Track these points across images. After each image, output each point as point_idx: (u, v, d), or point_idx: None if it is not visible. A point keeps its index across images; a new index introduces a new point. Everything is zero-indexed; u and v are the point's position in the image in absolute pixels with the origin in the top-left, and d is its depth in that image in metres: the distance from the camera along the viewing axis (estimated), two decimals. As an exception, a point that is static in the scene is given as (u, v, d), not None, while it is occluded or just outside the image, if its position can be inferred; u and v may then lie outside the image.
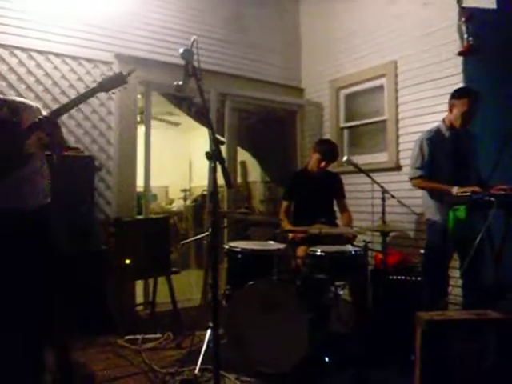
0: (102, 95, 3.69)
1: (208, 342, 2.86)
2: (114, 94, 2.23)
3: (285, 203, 3.78)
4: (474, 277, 2.95)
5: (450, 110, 3.17)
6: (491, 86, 3.39)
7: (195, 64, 2.13)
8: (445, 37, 3.85)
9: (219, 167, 1.89)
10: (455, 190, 2.90)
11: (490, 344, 1.82)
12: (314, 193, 3.66)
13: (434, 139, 3.17)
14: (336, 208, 3.88)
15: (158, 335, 3.36)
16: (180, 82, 2.14)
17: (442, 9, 3.89)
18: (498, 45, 3.65)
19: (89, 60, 4.01)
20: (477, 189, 2.80)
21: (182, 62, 2.13)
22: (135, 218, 4.04)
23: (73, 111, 3.67)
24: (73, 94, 3.78)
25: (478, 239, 2.62)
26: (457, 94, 3.15)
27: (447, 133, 3.18)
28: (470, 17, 3.42)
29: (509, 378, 1.91)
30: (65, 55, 3.89)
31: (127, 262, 3.42)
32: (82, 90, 3.85)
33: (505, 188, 2.80)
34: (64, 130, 3.72)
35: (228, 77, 4.84)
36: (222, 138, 2.12)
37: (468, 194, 2.73)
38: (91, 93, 2.19)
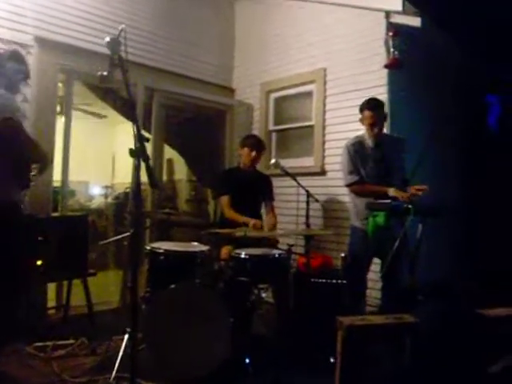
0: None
1: (125, 347, 2.72)
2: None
3: (225, 198, 3.71)
4: (392, 281, 3.08)
5: (362, 122, 3.34)
6: (414, 97, 3.58)
7: (122, 55, 2.01)
8: (373, 49, 3.99)
9: (143, 165, 1.78)
10: (391, 191, 3.01)
11: (406, 346, 1.89)
12: (244, 192, 3.66)
13: (357, 146, 3.30)
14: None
15: (71, 341, 3.14)
16: (105, 73, 2.01)
17: (372, 22, 4.04)
18: (420, 60, 3.86)
19: (4, 41, 3.67)
20: (409, 194, 2.91)
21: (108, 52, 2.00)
22: (49, 216, 3.76)
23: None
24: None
25: (396, 245, 2.73)
26: (360, 108, 3.34)
27: (369, 141, 3.30)
28: (396, 32, 3.58)
29: (421, 378, 2.00)
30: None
31: (38, 262, 3.16)
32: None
33: (422, 188, 2.97)
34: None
35: (157, 71, 4.69)
36: (146, 135, 2.02)
37: (403, 196, 2.84)
38: None
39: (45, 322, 3.56)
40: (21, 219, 2.57)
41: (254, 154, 3.71)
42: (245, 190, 3.67)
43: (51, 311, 3.80)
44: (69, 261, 3.36)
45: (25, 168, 2.61)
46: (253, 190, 3.73)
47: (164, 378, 2.58)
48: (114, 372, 2.55)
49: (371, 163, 3.28)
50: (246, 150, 3.75)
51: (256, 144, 3.76)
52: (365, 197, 3.22)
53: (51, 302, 3.87)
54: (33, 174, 2.71)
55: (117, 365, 2.59)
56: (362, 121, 3.34)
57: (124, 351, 2.68)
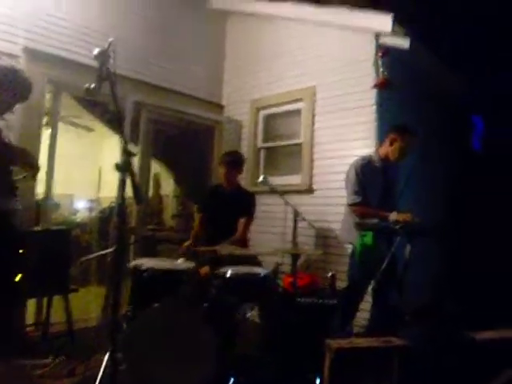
0: None
1: (105, 367, 2.62)
2: None
3: (198, 216, 3.69)
4: (380, 302, 3.05)
5: (391, 144, 3.26)
6: (402, 119, 3.59)
7: (111, 68, 1.98)
8: (363, 69, 4.03)
9: (129, 180, 1.74)
10: (393, 215, 2.97)
11: (394, 369, 1.85)
12: (225, 210, 3.56)
13: (366, 167, 3.25)
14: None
15: (50, 360, 3.04)
16: (92, 85, 1.98)
17: (362, 42, 4.08)
18: (409, 81, 3.91)
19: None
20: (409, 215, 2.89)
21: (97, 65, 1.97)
22: (30, 230, 3.66)
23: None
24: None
25: (384, 265, 2.71)
26: (400, 130, 3.25)
27: (379, 163, 3.29)
28: (385, 53, 3.62)
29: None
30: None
31: (17, 278, 3.06)
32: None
33: (406, 216, 2.95)
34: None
35: (146, 85, 4.66)
36: (134, 149, 1.98)
37: (402, 219, 2.82)
38: None
39: (23, 340, 3.45)
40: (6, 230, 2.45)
41: (225, 171, 3.61)
42: (222, 208, 3.58)
43: (30, 328, 3.68)
44: (50, 276, 3.27)
45: (4, 174, 2.50)
46: (231, 209, 3.58)
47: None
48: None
49: (378, 186, 3.25)
50: (222, 168, 3.66)
51: (229, 161, 3.65)
52: (365, 219, 3.20)
53: (30, 319, 3.75)
54: (22, 176, 2.62)
55: (96, 386, 2.50)
56: (391, 141, 3.25)
57: (103, 371, 2.58)
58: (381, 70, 3.61)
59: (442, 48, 3.92)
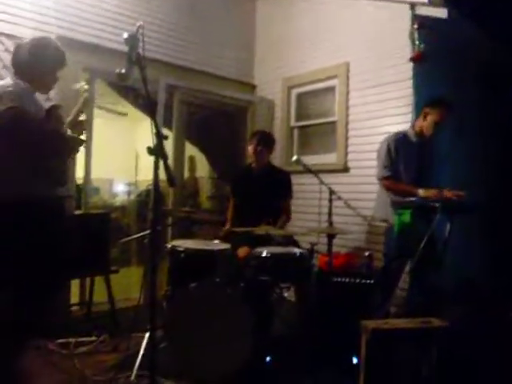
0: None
1: (146, 345, 2.71)
2: None
3: (231, 200, 3.70)
4: (418, 281, 2.99)
5: (425, 117, 3.20)
6: (440, 93, 3.46)
7: (140, 51, 1.99)
8: (397, 42, 3.87)
9: (162, 163, 1.76)
10: (421, 191, 2.92)
11: (432, 351, 1.82)
12: (258, 191, 3.51)
13: (401, 142, 3.20)
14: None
15: (93, 338, 3.17)
16: (123, 70, 1.99)
17: (396, 14, 3.92)
18: (447, 53, 3.73)
19: (28, 40, 3.71)
20: (442, 193, 2.82)
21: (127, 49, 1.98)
22: (72, 213, 3.79)
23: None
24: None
25: (423, 244, 2.65)
26: (433, 103, 3.20)
27: (414, 139, 3.23)
28: (421, 24, 3.46)
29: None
30: (3, 34, 3.57)
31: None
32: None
33: (459, 194, 2.86)
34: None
35: (178, 68, 4.67)
36: (168, 133, 2.00)
37: (431, 195, 2.76)
38: None
39: (68, 319, 3.60)
40: (54, 216, 2.43)
41: (254, 149, 3.53)
42: (258, 189, 3.52)
43: (74, 308, 3.84)
44: (91, 258, 3.38)
45: (47, 162, 2.47)
46: (267, 190, 3.52)
47: (184, 377, 2.57)
48: (134, 370, 2.55)
49: (413, 162, 3.19)
50: (251, 147, 3.60)
51: (259, 139, 3.56)
52: (394, 194, 3.14)
53: (74, 299, 3.91)
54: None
55: (137, 363, 2.59)
56: (425, 115, 3.20)
57: (145, 349, 2.68)
58: (417, 42, 3.44)
59: (483, 17, 3.71)
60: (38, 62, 2.39)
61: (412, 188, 3.01)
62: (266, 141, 3.60)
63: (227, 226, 3.58)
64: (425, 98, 3.42)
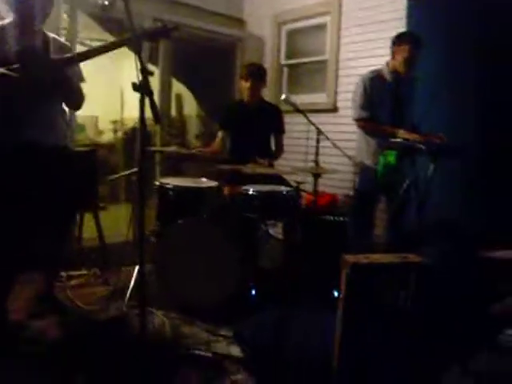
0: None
1: (136, 278, 2.81)
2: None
3: (219, 133, 3.58)
4: (399, 220, 3.09)
5: (393, 57, 3.14)
6: (434, 32, 3.39)
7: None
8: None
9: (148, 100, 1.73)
10: (401, 133, 2.93)
11: (410, 286, 1.92)
12: (251, 126, 3.45)
13: (376, 81, 3.14)
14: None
15: (84, 271, 3.26)
16: (106, 2, 1.92)
17: None
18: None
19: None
20: (420, 136, 2.84)
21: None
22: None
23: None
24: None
25: (406, 184, 2.72)
26: (398, 41, 3.11)
27: (389, 76, 3.16)
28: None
29: (424, 317, 2.06)
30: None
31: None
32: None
33: (439, 137, 2.90)
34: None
35: (164, 2, 4.48)
36: (154, 69, 1.96)
37: (412, 137, 2.78)
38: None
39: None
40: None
41: (249, 83, 3.42)
42: (248, 124, 3.45)
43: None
44: (79, 195, 3.39)
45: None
46: (257, 124, 3.47)
47: (173, 307, 2.69)
48: (125, 300, 2.65)
49: (388, 101, 3.14)
50: (242, 82, 3.49)
51: (251, 73, 3.43)
52: (372, 135, 3.15)
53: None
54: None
55: (128, 294, 2.70)
56: (394, 53, 3.13)
57: (135, 282, 2.78)
58: (412, -22, 3.35)
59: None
60: None
61: (391, 128, 3.00)
62: (259, 74, 3.48)
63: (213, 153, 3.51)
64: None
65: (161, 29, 2.10)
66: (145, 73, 1.66)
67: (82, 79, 2.59)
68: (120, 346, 2.22)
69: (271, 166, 3.54)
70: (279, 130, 3.66)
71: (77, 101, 2.55)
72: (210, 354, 2.22)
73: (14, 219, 2.28)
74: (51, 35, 2.47)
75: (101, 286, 3.10)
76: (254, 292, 2.82)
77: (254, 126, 3.47)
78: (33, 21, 2.31)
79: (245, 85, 3.47)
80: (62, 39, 2.59)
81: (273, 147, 3.69)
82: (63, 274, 3.15)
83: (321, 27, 4.58)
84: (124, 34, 4.61)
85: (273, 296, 2.82)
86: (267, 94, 4.85)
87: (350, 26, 4.23)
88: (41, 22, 2.35)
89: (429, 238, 2.84)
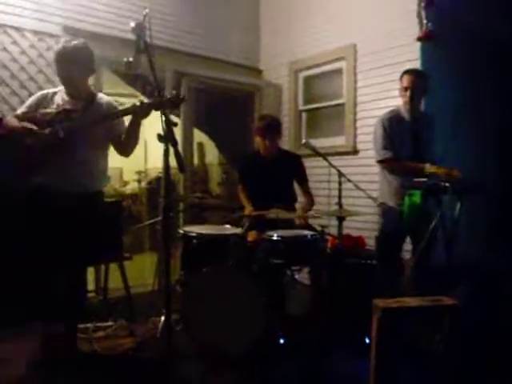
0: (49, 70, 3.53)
1: (162, 328, 2.78)
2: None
3: (240, 187, 3.63)
4: (427, 261, 3.01)
5: (400, 93, 3.19)
6: (449, 72, 3.43)
7: (147, 39, 2.01)
8: (405, 21, 3.83)
9: (172, 150, 1.78)
10: (427, 167, 2.89)
11: (443, 330, 1.85)
12: (269, 177, 3.43)
13: (394, 120, 3.15)
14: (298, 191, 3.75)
15: (111, 323, 3.24)
16: (130, 59, 2.02)
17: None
18: (457, 32, 3.69)
19: (34, 32, 3.73)
20: (446, 169, 2.81)
21: (134, 38, 2.00)
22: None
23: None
24: (13, 68, 3.57)
25: (433, 224, 2.66)
26: (400, 76, 3.18)
27: (406, 115, 3.18)
28: (429, 2, 3.42)
29: (456, 363, 1.96)
30: (7, 26, 3.60)
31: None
32: (25, 64, 3.64)
33: (453, 173, 2.85)
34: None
35: (184, 55, 4.68)
36: (175, 120, 2.02)
37: (439, 172, 2.75)
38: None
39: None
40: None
41: (267, 142, 3.43)
42: (268, 175, 3.44)
43: (90, 294, 3.91)
44: (105, 245, 3.43)
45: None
46: (279, 174, 3.47)
47: (199, 358, 2.63)
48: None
49: (408, 140, 3.13)
50: (259, 139, 3.49)
51: (264, 129, 3.43)
52: (398, 174, 3.12)
53: (90, 286, 3.98)
54: None
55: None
56: (400, 91, 3.17)
57: (161, 332, 2.74)
58: (425, 21, 3.42)
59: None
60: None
61: (417, 164, 2.96)
62: (272, 131, 3.47)
63: (247, 211, 3.42)
64: (432, 78, 3.39)
65: (173, 99, 2.21)
66: (169, 124, 1.71)
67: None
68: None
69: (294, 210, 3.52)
70: (302, 178, 3.63)
71: (135, 147, 2.74)
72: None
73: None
74: (100, 94, 2.77)
75: (127, 338, 3.07)
76: (282, 340, 2.74)
77: (273, 177, 3.44)
78: (82, 88, 2.67)
79: (260, 140, 3.48)
80: (108, 97, 2.82)
81: (298, 197, 3.67)
82: (89, 325, 3.14)
83: (337, 72, 4.68)
84: (147, 86, 4.84)
85: (302, 344, 2.74)
86: (287, 139, 4.94)
87: (366, 69, 4.31)
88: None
89: (458, 278, 2.75)
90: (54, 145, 2.44)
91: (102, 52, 3.99)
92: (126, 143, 2.68)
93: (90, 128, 2.50)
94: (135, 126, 2.58)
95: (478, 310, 2.56)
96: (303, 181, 3.64)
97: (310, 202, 3.58)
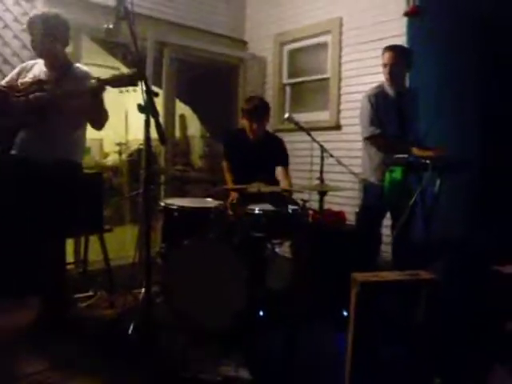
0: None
1: (142, 300, 2.78)
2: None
3: (225, 163, 3.58)
4: (406, 237, 3.06)
5: (383, 68, 3.18)
6: (434, 48, 3.42)
7: (128, 6, 1.94)
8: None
9: (153, 121, 1.75)
10: (415, 150, 2.90)
11: (420, 304, 1.89)
12: (253, 158, 3.39)
13: (380, 96, 3.15)
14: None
15: (91, 293, 3.24)
16: (111, 26, 1.95)
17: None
18: (443, 7, 3.66)
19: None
20: (433, 153, 2.81)
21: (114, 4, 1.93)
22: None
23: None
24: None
25: (413, 200, 2.70)
26: (382, 51, 3.17)
27: (390, 91, 3.17)
28: (416, -23, 3.38)
29: (435, 337, 2.02)
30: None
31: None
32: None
33: (441, 151, 2.88)
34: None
35: (167, 24, 4.55)
36: (156, 90, 1.98)
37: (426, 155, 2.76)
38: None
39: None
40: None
41: (254, 126, 3.38)
42: (253, 157, 3.40)
43: (70, 266, 3.88)
44: (85, 217, 3.39)
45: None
46: (263, 157, 3.43)
47: (180, 329, 2.65)
48: (132, 324, 2.62)
49: (393, 117, 3.14)
50: (245, 121, 3.44)
51: (252, 115, 3.37)
52: (384, 151, 3.13)
53: (69, 258, 3.94)
54: None
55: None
56: (383, 66, 3.16)
57: (141, 304, 2.74)
58: (412, -4, 3.39)
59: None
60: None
61: (404, 145, 2.98)
62: (261, 113, 3.41)
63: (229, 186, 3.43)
64: (418, 54, 3.38)
65: (132, 76, 2.14)
66: (150, 94, 1.67)
67: None
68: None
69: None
70: (284, 163, 3.60)
71: (104, 122, 2.71)
72: (219, 378, 2.17)
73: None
74: (76, 65, 2.73)
75: (107, 309, 3.07)
76: (262, 313, 2.78)
77: (258, 158, 3.41)
78: (56, 59, 2.63)
79: (246, 122, 3.43)
80: (85, 68, 2.76)
81: (279, 179, 3.64)
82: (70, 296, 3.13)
83: (322, 46, 4.62)
84: (128, 55, 4.72)
85: (281, 316, 2.78)
86: (271, 114, 4.89)
87: (351, 44, 4.27)
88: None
89: (437, 253, 2.81)
90: (27, 113, 2.43)
91: (82, 19, 3.88)
92: (92, 118, 2.66)
93: (61, 100, 2.46)
94: (95, 102, 2.54)
95: (459, 286, 2.62)
96: (285, 165, 3.61)
97: (290, 184, 3.56)
